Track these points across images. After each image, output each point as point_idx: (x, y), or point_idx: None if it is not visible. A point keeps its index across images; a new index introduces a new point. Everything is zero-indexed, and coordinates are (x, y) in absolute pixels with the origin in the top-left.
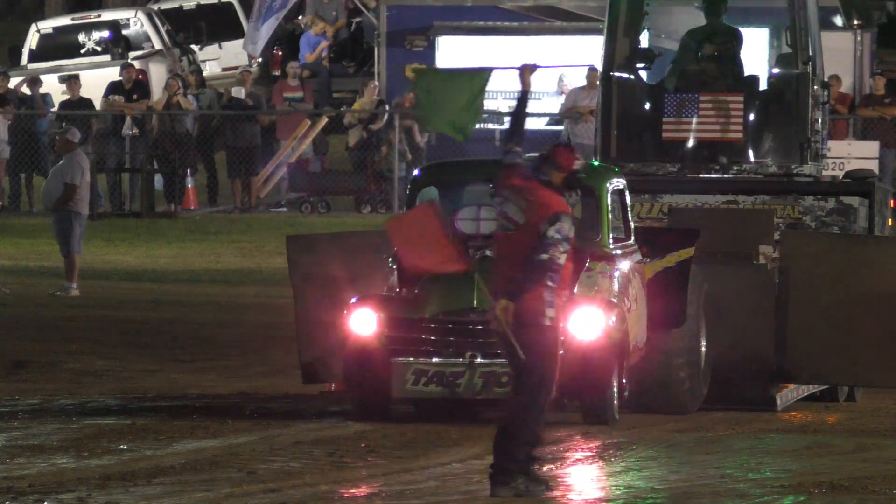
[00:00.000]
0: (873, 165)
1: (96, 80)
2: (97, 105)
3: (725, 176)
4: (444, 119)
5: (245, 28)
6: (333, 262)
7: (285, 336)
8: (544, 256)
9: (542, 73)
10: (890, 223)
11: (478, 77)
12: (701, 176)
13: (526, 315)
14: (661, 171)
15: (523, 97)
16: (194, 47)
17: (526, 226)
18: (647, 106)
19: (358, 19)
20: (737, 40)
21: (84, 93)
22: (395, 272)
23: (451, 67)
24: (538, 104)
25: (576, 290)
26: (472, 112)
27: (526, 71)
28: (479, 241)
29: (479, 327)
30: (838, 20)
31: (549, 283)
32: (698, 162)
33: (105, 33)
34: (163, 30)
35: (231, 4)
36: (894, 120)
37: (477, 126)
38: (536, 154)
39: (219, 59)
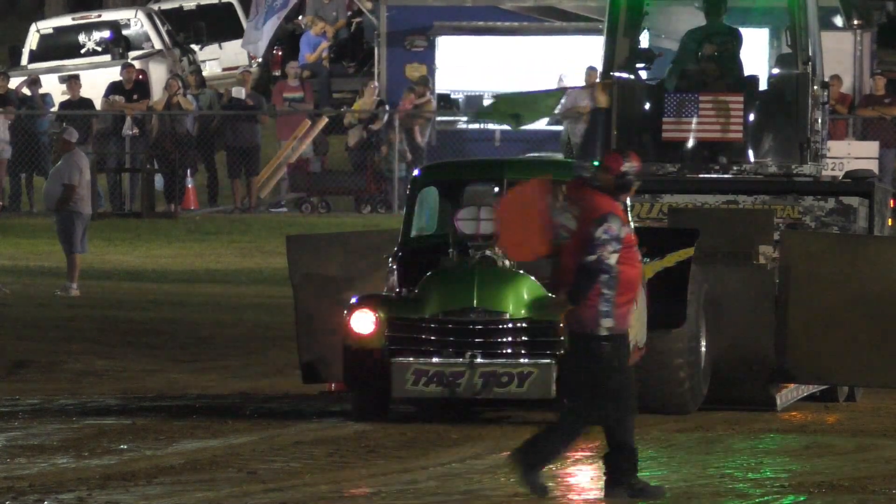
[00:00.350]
0: (873, 165)
1: (96, 80)
2: (97, 105)
3: (725, 176)
4: (499, 113)
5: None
6: (333, 262)
7: (285, 336)
8: (592, 258)
9: (541, 74)
10: (890, 223)
11: (552, 96)
12: (701, 176)
13: (577, 323)
14: (661, 171)
15: (595, 115)
16: (194, 47)
17: (579, 232)
18: (647, 106)
19: (358, 19)
20: (737, 40)
21: (84, 93)
22: (396, 272)
23: (527, 90)
24: None
25: None
26: (532, 113)
27: (599, 87)
28: (479, 241)
29: (479, 327)
30: (838, 20)
31: (605, 291)
32: (698, 162)
33: (105, 33)
34: (163, 30)
35: (231, 4)
36: (894, 120)
37: (498, 127)
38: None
39: (219, 59)
